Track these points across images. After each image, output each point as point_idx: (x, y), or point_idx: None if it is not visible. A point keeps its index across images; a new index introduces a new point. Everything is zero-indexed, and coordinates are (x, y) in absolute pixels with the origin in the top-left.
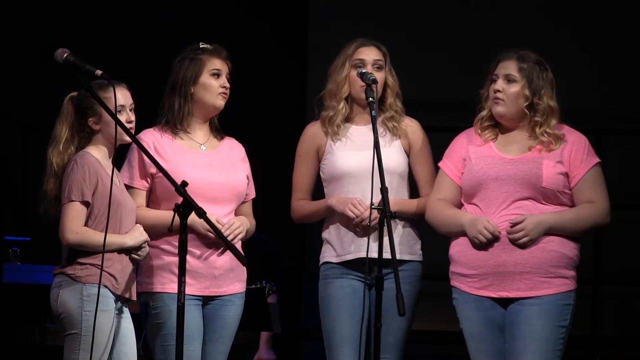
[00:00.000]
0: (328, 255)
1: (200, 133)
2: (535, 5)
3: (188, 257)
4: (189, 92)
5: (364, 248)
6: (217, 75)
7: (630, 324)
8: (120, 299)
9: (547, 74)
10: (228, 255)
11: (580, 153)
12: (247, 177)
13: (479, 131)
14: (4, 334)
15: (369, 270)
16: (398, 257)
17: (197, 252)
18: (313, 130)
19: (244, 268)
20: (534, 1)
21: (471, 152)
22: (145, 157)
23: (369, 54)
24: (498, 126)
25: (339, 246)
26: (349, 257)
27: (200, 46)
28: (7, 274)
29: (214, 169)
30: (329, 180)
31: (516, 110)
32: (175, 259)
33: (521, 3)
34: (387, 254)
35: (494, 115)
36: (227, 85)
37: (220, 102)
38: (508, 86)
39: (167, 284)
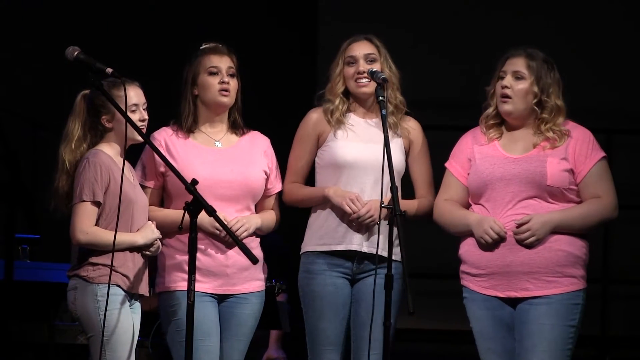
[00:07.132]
0: (313, 243)
1: (215, 130)
2: (539, 5)
3: (199, 256)
4: (192, 93)
5: (355, 241)
6: (214, 73)
7: None
8: (133, 295)
9: (554, 73)
10: (240, 254)
11: (584, 148)
12: (265, 172)
13: (484, 129)
14: (13, 331)
15: (357, 266)
16: (380, 254)
17: (209, 250)
18: (317, 116)
19: (264, 266)
20: (539, 1)
21: (476, 152)
22: (156, 156)
23: (360, 49)
24: (504, 124)
25: (329, 236)
26: (340, 247)
27: (201, 47)
28: (16, 272)
29: (225, 166)
30: (326, 167)
31: (524, 108)
32: (187, 257)
33: (526, 3)
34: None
35: (501, 114)
36: (226, 80)
37: (222, 99)
38: (516, 83)
39: (179, 282)
